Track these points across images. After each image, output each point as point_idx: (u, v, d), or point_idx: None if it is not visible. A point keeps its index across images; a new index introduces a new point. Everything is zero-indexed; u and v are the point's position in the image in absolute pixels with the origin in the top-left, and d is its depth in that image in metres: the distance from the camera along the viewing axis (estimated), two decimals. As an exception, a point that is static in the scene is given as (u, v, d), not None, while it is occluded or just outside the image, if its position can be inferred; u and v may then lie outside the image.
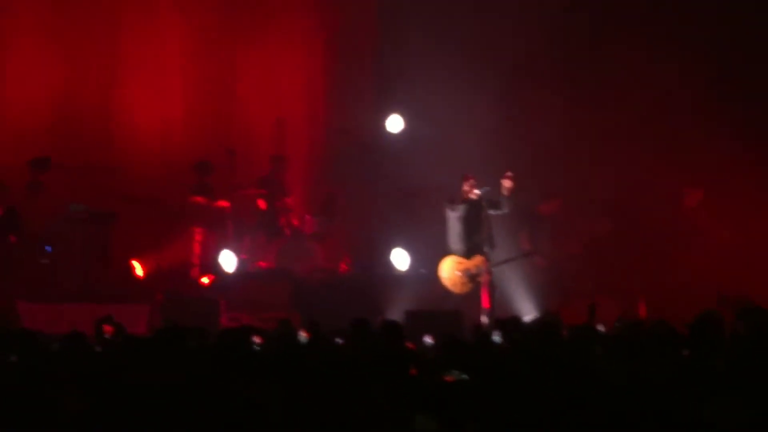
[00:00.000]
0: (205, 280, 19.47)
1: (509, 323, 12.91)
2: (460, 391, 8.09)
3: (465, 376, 8.53)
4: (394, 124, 21.22)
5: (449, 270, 17.69)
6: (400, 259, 19.82)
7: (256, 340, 11.01)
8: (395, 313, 16.89)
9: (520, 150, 20.00)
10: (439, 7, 20.70)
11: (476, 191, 17.60)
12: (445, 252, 17.86)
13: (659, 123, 20.37)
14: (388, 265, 19.88)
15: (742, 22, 20.25)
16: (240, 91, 21.72)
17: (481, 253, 17.62)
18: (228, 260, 19.37)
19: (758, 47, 20.34)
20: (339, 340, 11.14)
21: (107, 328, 13.17)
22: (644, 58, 20.28)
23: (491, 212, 17.69)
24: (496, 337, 12.05)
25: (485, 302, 17.33)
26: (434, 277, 18.06)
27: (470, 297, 17.54)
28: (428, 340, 12.94)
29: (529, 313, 17.15)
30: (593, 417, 7.59)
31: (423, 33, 20.47)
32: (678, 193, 19.92)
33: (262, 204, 20.06)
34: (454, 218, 17.81)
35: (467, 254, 17.71)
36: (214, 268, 19.47)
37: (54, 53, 20.79)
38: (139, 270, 19.40)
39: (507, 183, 17.52)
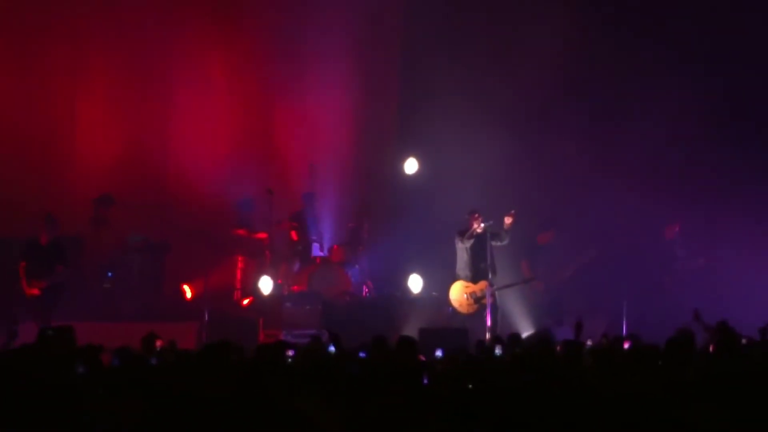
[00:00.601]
0: (245, 301, 19.48)
1: (509, 339, 12.93)
2: (465, 398, 8.08)
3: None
4: (410, 166, 21.27)
5: (457, 293, 17.70)
6: (415, 283, 19.82)
7: (289, 353, 11.02)
8: (410, 330, 16.81)
9: (520, 187, 20.01)
10: (454, 58, 20.67)
11: (482, 225, 17.62)
12: (454, 277, 17.87)
13: (645, 164, 20.32)
14: (405, 289, 19.89)
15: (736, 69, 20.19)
16: (277, 137, 21.75)
17: (485, 278, 17.60)
18: (266, 285, 19.36)
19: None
20: (362, 354, 11.11)
21: (158, 342, 13.17)
22: (637, 107, 20.35)
23: (493, 243, 17.70)
24: (498, 351, 12.06)
25: (489, 321, 17.29)
26: (444, 299, 18.06)
27: (476, 316, 17.51)
28: (438, 353, 12.93)
29: (526, 330, 17.10)
30: (583, 421, 7.58)
31: (442, 83, 20.47)
32: (659, 225, 19.83)
33: (294, 236, 20.08)
34: (461, 248, 17.83)
35: (473, 279, 17.72)
36: (253, 292, 19.47)
37: (118, 106, 20.87)
38: (188, 293, 19.40)
39: (508, 220, 17.54)
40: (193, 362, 9.95)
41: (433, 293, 19.42)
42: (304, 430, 7.06)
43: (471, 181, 19.76)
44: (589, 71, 20.76)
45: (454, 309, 17.68)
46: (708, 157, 20.08)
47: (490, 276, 17.61)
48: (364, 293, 19.68)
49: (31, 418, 7.49)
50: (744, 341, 11.91)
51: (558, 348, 10.98)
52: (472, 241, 17.71)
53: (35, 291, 16.33)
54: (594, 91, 20.73)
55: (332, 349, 12.25)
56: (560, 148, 20.50)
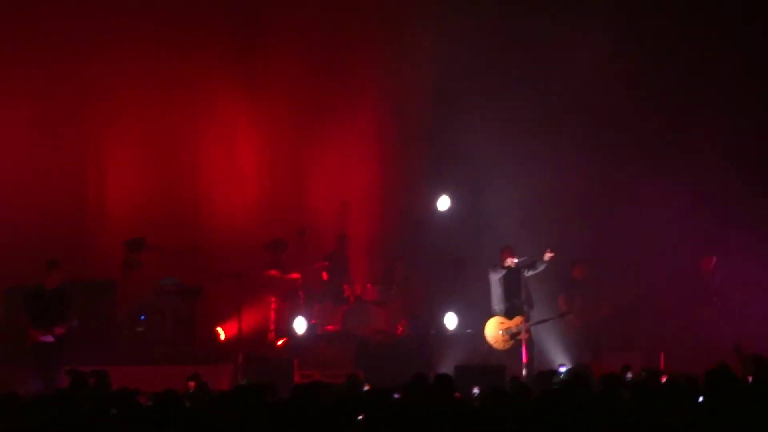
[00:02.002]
0: (280, 342, 19.51)
1: (546, 375, 12.89)
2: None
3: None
4: (443, 203, 21.36)
5: (493, 329, 17.64)
6: (450, 320, 19.82)
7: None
8: (446, 368, 16.79)
9: (555, 222, 20.03)
10: (485, 94, 20.75)
11: (515, 261, 17.61)
12: (489, 313, 17.83)
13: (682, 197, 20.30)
14: (440, 326, 19.88)
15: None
16: (309, 179, 21.84)
17: (521, 313, 17.56)
18: (300, 325, 19.41)
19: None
20: (396, 395, 11.00)
21: (190, 384, 13.22)
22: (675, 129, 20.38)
23: (528, 273, 17.64)
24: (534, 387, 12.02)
25: (525, 357, 17.24)
26: (480, 335, 18.02)
27: (512, 353, 17.46)
28: (476, 390, 12.92)
29: (563, 366, 16.99)
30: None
31: (468, 124, 20.56)
32: (695, 259, 19.78)
33: (326, 276, 20.15)
34: (495, 282, 17.77)
35: (508, 315, 17.65)
36: (287, 332, 19.51)
37: (149, 151, 21.09)
38: (222, 335, 19.44)
39: (548, 255, 17.51)
40: (226, 403, 9.95)
41: (468, 330, 19.40)
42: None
43: (504, 217, 19.78)
44: (626, 102, 20.74)
45: (489, 345, 17.61)
46: (744, 188, 20.00)
47: (526, 310, 17.56)
48: (398, 332, 19.65)
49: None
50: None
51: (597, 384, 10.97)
52: (505, 271, 17.65)
53: (50, 338, 16.09)
54: (633, 122, 20.73)
55: (367, 387, 12.25)
56: (594, 182, 20.54)
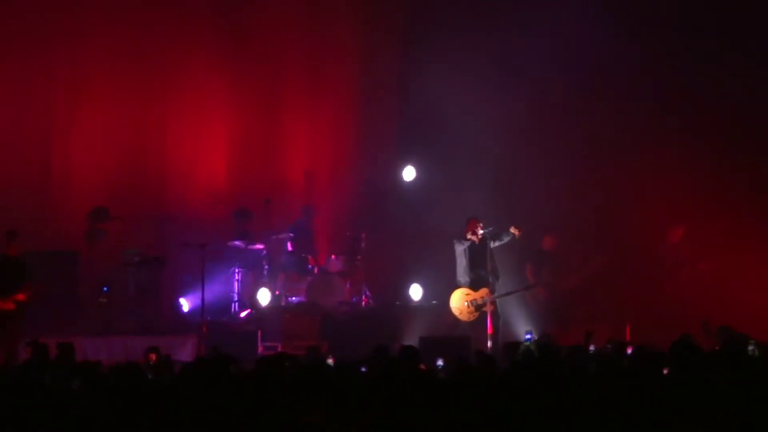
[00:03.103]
0: (243, 314, 19.49)
1: (512, 346, 12.95)
2: (468, 406, 8.09)
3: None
4: (409, 173, 21.38)
5: (458, 301, 17.67)
6: (415, 292, 19.87)
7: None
8: (411, 339, 16.84)
9: (521, 193, 20.09)
10: (453, 66, 20.73)
11: (480, 231, 17.62)
12: (454, 285, 17.86)
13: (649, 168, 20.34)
14: (405, 298, 19.92)
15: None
16: (275, 147, 21.77)
17: (487, 285, 17.59)
18: (264, 296, 19.40)
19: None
20: (363, 369, 10.99)
21: (151, 356, 13.22)
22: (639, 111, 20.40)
23: (495, 244, 17.66)
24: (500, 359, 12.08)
25: (490, 329, 17.29)
26: (444, 307, 18.06)
27: (477, 324, 17.50)
28: (440, 362, 12.95)
29: (529, 334, 17.00)
30: (584, 424, 7.60)
31: (439, 91, 20.55)
32: (663, 230, 19.86)
33: (291, 246, 20.12)
34: (460, 253, 17.79)
35: (473, 286, 17.68)
36: (251, 303, 19.50)
37: (114, 117, 20.91)
38: (186, 306, 19.41)
39: (515, 230, 17.55)
40: (190, 375, 9.94)
41: (434, 302, 19.45)
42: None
43: (470, 188, 19.81)
44: (600, 69, 20.73)
45: (455, 317, 17.65)
46: (716, 164, 20.05)
47: (491, 282, 17.60)
48: (363, 303, 19.67)
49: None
50: (751, 347, 11.91)
51: (562, 355, 11.03)
52: (469, 243, 17.67)
53: (10, 305, 16.17)
54: (591, 93, 20.72)
55: (330, 360, 12.25)
56: (562, 154, 20.57)
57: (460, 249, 17.78)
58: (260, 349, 17.48)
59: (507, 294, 18.07)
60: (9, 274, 16.23)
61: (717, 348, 11.83)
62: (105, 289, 18.53)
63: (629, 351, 12.27)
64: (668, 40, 20.44)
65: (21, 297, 16.13)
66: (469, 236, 17.67)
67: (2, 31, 20.35)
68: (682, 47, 20.31)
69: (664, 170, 20.09)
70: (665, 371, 9.59)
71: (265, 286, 19.45)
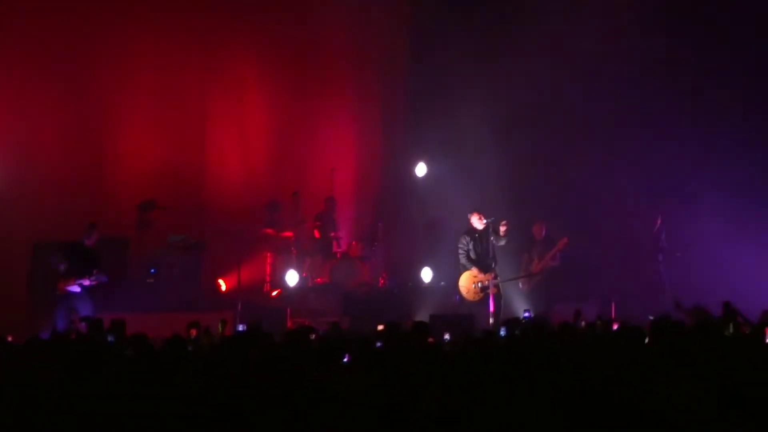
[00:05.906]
0: (274, 293, 19.57)
1: (511, 322, 13.00)
2: (474, 372, 8.12)
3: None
4: (421, 170, 21.44)
5: (467, 281, 17.67)
6: (426, 274, 19.92)
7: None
8: (421, 316, 16.89)
9: (519, 185, 20.09)
10: (459, 71, 20.67)
11: (484, 221, 17.62)
12: (461, 269, 17.86)
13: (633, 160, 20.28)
14: (416, 280, 19.98)
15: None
16: (302, 146, 21.83)
17: (490, 269, 17.59)
18: (292, 277, 19.47)
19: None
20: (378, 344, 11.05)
21: (192, 331, 13.31)
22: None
23: (492, 239, 17.65)
24: (502, 332, 12.13)
25: (492, 308, 17.32)
26: (452, 288, 18.09)
27: (480, 303, 17.52)
28: (447, 336, 13.02)
29: (527, 312, 17.03)
30: (578, 394, 7.63)
31: (448, 95, 20.59)
32: (644, 219, 19.83)
33: (317, 234, 20.18)
34: (466, 245, 17.76)
35: (482, 270, 17.65)
36: (281, 284, 19.58)
37: (160, 120, 20.94)
38: (223, 286, 19.51)
39: (502, 229, 17.51)
40: (228, 346, 10.06)
41: (442, 283, 19.50)
42: (327, 399, 7.15)
43: (474, 182, 19.85)
44: (580, 76, 20.55)
45: (461, 296, 17.67)
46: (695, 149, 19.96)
47: (494, 267, 17.60)
48: (380, 284, 19.74)
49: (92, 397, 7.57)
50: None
51: (555, 330, 11.07)
52: (476, 234, 17.65)
53: (77, 288, 16.40)
54: (581, 93, 20.59)
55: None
56: (556, 146, 20.55)
57: (465, 242, 17.67)
58: (289, 324, 17.55)
59: (509, 280, 18.16)
60: (82, 259, 16.46)
61: (690, 323, 11.87)
62: (152, 270, 18.65)
63: (615, 326, 12.31)
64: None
65: (87, 282, 16.40)
66: (474, 224, 17.64)
67: (62, 36, 20.29)
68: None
69: (648, 163, 20.07)
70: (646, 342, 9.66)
71: (293, 269, 19.53)
